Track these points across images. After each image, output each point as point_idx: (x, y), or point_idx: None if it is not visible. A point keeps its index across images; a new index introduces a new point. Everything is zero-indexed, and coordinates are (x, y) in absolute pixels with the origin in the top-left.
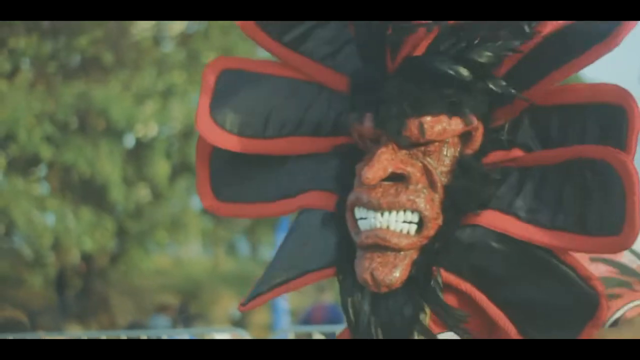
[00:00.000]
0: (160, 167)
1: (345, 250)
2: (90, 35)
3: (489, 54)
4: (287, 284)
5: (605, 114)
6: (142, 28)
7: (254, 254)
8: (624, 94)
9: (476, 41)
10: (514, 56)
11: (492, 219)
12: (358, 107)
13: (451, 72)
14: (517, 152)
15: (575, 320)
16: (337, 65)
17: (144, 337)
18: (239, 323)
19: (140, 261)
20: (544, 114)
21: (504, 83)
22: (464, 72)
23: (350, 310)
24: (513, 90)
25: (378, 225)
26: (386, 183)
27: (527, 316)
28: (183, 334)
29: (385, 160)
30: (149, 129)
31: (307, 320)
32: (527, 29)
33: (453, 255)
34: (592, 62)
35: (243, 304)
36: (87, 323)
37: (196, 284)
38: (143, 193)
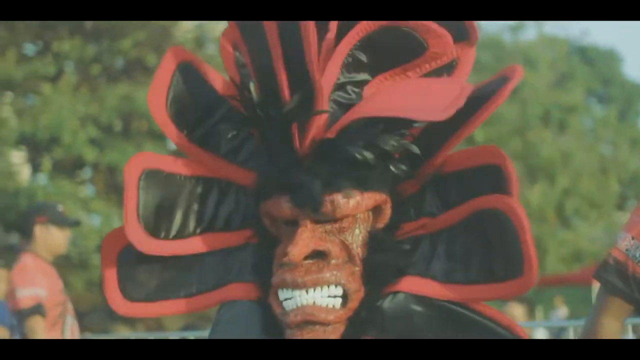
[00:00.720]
0: None
1: (272, 335)
2: (133, 37)
3: (392, 142)
4: None
5: (488, 173)
6: (185, 30)
7: None
8: (497, 152)
9: (380, 129)
10: (413, 132)
11: (411, 285)
12: (272, 193)
13: (359, 156)
14: (424, 220)
15: None
16: (241, 160)
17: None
18: None
19: None
20: (443, 182)
21: (403, 167)
22: (370, 157)
23: None
24: (410, 171)
25: (305, 303)
26: (307, 262)
27: None
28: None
29: (306, 238)
30: None
31: None
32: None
33: (378, 324)
34: (482, 120)
35: None
36: (133, 325)
37: None
38: None
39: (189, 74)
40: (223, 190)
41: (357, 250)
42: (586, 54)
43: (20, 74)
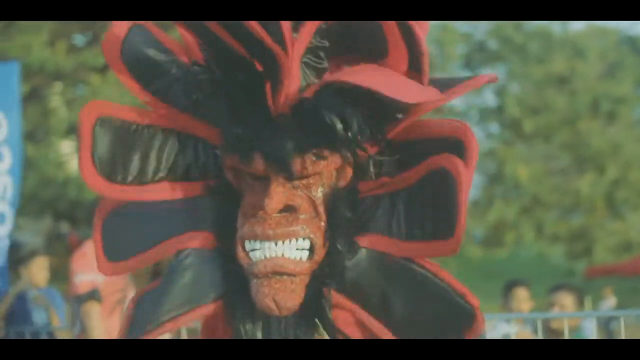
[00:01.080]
0: None
1: (230, 284)
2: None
3: (357, 114)
4: (175, 320)
5: (450, 145)
6: None
7: None
8: (464, 128)
9: (348, 98)
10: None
11: (372, 241)
12: (242, 148)
13: (328, 121)
14: (384, 179)
15: (453, 333)
16: (201, 115)
17: None
18: None
19: None
20: (404, 146)
21: (367, 130)
22: (337, 122)
23: (245, 337)
24: (373, 134)
25: (274, 255)
26: (277, 215)
27: (409, 330)
28: None
29: (280, 193)
30: None
31: None
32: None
33: (340, 277)
34: (449, 99)
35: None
36: None
37: None
38: None
39: (143, 34)
40: (182, 141)
41: (322, 206)
42: (636, 44)
43: (70, 64)
